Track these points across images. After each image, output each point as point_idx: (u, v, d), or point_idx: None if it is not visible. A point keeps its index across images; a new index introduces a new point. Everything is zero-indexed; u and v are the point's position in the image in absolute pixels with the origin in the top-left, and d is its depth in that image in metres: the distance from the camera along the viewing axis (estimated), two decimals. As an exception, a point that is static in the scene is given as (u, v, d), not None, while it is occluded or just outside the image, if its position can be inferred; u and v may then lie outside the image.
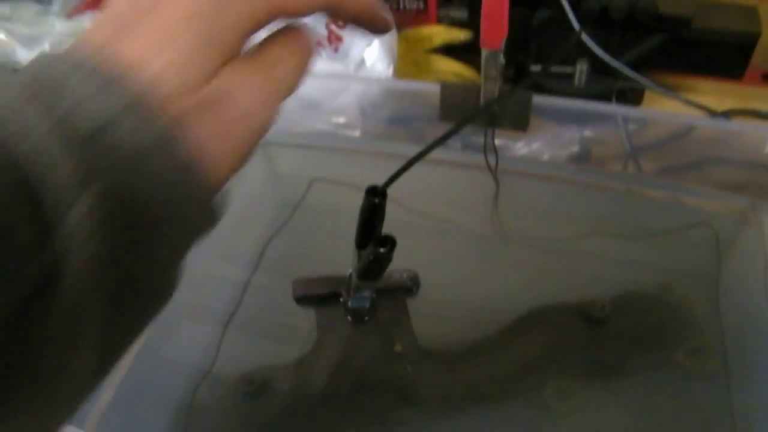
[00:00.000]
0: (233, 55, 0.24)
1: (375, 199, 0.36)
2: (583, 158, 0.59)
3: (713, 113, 0.69)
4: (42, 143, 0.19)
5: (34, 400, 0.20)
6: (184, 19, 0.23)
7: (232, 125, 0.23)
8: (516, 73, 0.78)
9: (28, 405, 0.20)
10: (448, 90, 0.49)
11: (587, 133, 0.58)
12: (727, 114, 0.70)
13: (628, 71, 0.58)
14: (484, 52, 0.46)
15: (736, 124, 0.49)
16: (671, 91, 0.75)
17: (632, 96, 0.68)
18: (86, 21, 0.72)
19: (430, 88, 0.50)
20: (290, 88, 0.26)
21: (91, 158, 0.20)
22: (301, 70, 0.26)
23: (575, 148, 0.59)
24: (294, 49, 0.26)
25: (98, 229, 0.20)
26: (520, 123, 0.50)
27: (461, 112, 0.49)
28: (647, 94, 0.76)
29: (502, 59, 0.46)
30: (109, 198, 0.20)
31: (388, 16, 0.29)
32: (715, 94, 0.77)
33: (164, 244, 0.22)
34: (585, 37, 0.61)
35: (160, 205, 0.21)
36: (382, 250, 0.34)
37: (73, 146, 0.20)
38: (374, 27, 0.29)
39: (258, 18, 0.24)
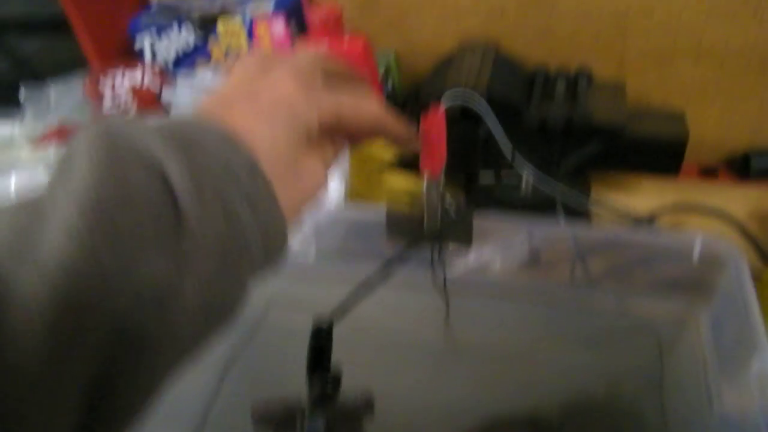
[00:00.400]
0: (309, 137, 0.32)
1: (321, 340, 0.38)
2: (533, 262, 0.61)
3: (648, 218, 0.73)
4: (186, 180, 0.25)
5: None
6: (276, 103, 0.31)
7: (305, 194, 0.32)
8: (465, 182, 0.81)
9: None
10: (392, 213, 0.52)
11: (535, 237, 0.61)
12: (653, 218, 0.74)
13: (562, 188, 0.61)
14: (425, 175, 0.49)
15: (665, 236, 0.52)
16: (612, 190, 0.80)
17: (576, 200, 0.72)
18: (53, 150, 0.74)
19: (377, 216, 0.53)
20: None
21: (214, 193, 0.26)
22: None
23: (524, 253, 0.62)
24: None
25: (213, 250, 0.25)
26: (464, 240, 0.52)
27: (407, 234, 0.52)
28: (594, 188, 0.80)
29: (442, 181, 0.49)
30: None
31: (416, 142, 0.43)
32: (655, 190, 0.81)
33: (253, 270, 0.28)
34: (519, 158, 0.65)
35: (257, 237, 0.27)
36: (327, 389, 0.35)
37: (205, 182, 0.26)
38: (406, 147, 0.42)
39: (325, 120, 0.33)
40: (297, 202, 0.31)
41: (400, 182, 0.71)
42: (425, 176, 0.49)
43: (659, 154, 0.74)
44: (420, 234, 0.51)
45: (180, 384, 0.27)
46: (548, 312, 0.57)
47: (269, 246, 0.28)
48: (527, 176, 0.71)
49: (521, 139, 0.68)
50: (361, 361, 0.56)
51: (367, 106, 0.36)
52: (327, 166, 0.34)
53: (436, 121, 0.45)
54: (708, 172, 0.88)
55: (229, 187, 0.26)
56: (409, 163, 0.75)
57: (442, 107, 0.47)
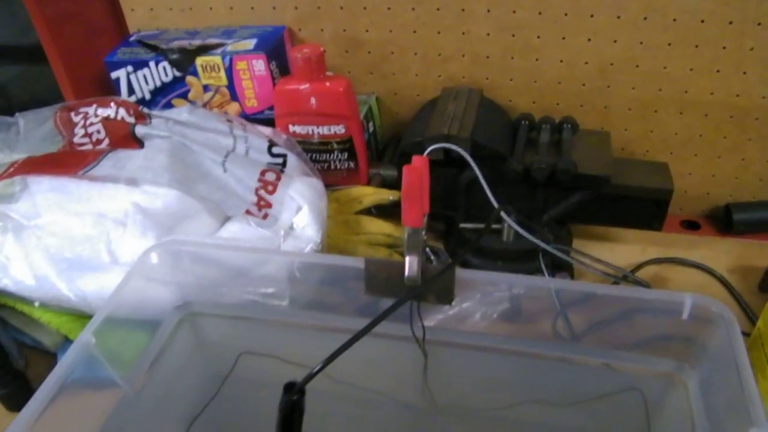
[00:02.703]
0: None
1: (294, 396, 0.35)
2: (514, 315, 0.59)
3: (631, 272, 0.72)
4: None
5: None
6: None
7: None
8: (447, 228, 0.80)
9: None
10: (372, 266, 0.49)
11: (516, 290, 0.59)
12: (635, 271, 0.73)
13: (545, 236, 0.60)
14: (406, 230, 0.47)
15: (653, 293, 0.50)
16: (594, 242, 0.78)
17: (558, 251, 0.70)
18: (16, 184, 0.71)
19: (353, 264, 0.51)
20: None
21: None
22: None
23: (505, 305, 0.60)
24: None
25: None
26: (444, 297, 0.50)
27: (386, 287, 0.50)
28: (576, 239, 0.79)
29: (423, 235, 0.47)
30: None
31: None
32: (638, 242, 0.80)
33: None
34: (504, 215, 0.63)
35: None
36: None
37: None
38: None
39: None
40: None
41: (379, 226, 0.69)
42: (406, 228, 0.48)
43: (643, 208, 0.73)
44: (400, 287, 0.49)
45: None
46: (531, 368, 0.54)
47: None
48: (509, 225, 0.69)
49: (504, 186, 0.67)
50: (337, 413, 0.53)
51: None
52: None
53: (418, 171, 0.43)
54: (690, 225, 0.87)
55: None
56: (388, 209, 0.73)
57: (426, 157, 0.46)
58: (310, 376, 0.35)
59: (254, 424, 0.54)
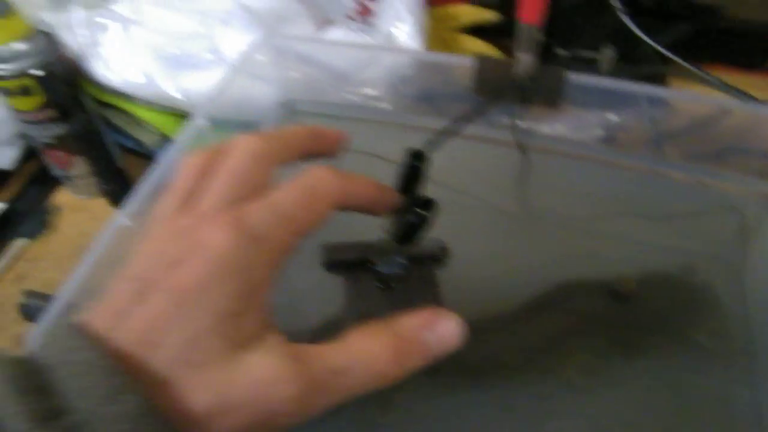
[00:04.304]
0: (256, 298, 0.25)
1: (416, 162, 0.36)
2: (607, 143, 0.59)
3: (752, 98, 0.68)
4: None
5: None
6: (198, 281, 0.23)
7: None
8: (542, 54, 0.77)
9: None
10: (483, 64, 0.49)
11: (612, 117, 0.58)
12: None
13: (667, 53, 0.57)
14: (521, 27, 0.46)
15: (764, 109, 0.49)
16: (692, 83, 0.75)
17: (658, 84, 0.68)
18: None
19: (464, 62, 0.50)
20: None
21: None
22: None
23: (599, 132, 0.59)
24: None
25: None
26: (552, 100, 0.50)
27: (495, 88, 0.49)
28: (672, 83, 0.76)
29: (540, 34, 0.46)
30: None
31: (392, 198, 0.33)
32: (743, 86, 0.76)
33: None
34: (625, 18, 0.60)
35: None
36: (423, 212, 0.34)
37: None
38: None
39: (286, 250, 0.26)
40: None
41: (476, 45, 0.67)
42: (522, 24, 0.46)
43: (757, 42, 0.69)
44: (509, 85, 0.48)
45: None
46: (626, 183, 0.55)
47: None
48: (607, 53, 0.67)
49: (605, 13, 0.64)
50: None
51: (354, 187, 0.29)
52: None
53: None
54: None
55: None
56: (486, 30, 0.71)
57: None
58: (432, 143, 0.36)
59: (355, 215, 0.55)
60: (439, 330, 0.27)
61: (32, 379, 0.20)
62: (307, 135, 0.31)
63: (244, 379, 0.23)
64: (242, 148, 0.28)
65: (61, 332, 0.22)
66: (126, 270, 0.25)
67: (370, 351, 0.25)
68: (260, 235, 0.25)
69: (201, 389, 0.22)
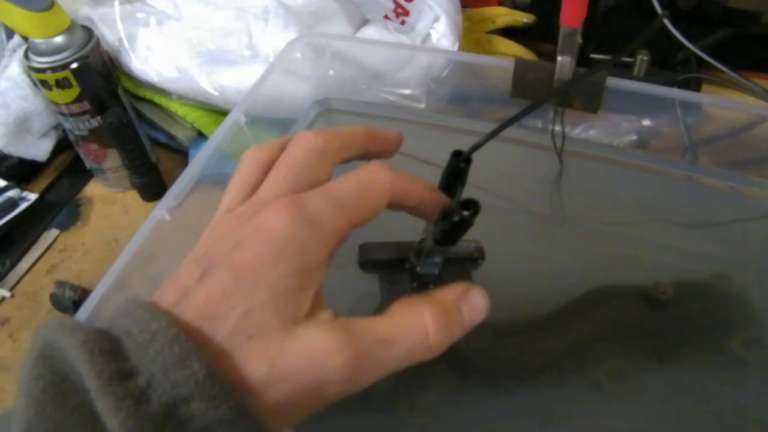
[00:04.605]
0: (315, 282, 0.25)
1: (461, 163, 0.36)
2: (640, 148, 0.59)
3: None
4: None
5: None
6: (259, 263, 0.24)
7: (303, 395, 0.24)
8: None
9: None
10: (522, 67, 0.49)
11: (645, 123, 0.58)
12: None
13: (709, 58, 0.56)
14: (562, 30, 0.46)
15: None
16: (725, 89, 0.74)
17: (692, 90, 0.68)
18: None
19: (500, 64, 0.50)
20: None
21: None
22: None
23: (633, 138, 0.59)
24: None
25: None
26: (591, 105, 0.50)
27: (533, 91, 0.49)
28: (705, 89, 0.75)
29: (579, 38, 0.46)
30: None
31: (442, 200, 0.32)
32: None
33: None
34: (667, 22, 0.60)
35: None
36: (467, 213, 0.34)
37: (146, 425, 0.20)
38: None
39: (342, 238, 0.26)
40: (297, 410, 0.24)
41: (510, 47, 0.67)
42: (562, 28, 0.46)
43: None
44: (548, 88, 0.48)
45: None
46: (661, 189, 0.54)
47: None
48: (641, 58, 0.67)
49: (642, 17, 0.63)
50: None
51: (408, 185, 0.29)
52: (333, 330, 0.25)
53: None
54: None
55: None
56: (520, 32, 0.71)
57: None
58: (477, 146, 0.36)
59: (390, 216, 0.56)
60: (472, 301, 0.28)
61: (106, 345, 0.22)
62: (365, 134, 0.32)
63: (296, 349, 0.23)
64: (303, 143, 0.29)
65: (131, 307, 0.23)
66: (191, 254, 0.27)
67: (417, 320, 0.26)
68: (316, 219, 0.25)
69: (257, 359, 0.23)
